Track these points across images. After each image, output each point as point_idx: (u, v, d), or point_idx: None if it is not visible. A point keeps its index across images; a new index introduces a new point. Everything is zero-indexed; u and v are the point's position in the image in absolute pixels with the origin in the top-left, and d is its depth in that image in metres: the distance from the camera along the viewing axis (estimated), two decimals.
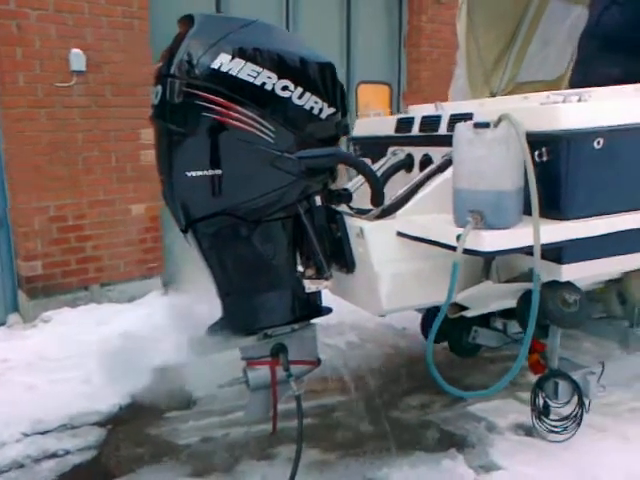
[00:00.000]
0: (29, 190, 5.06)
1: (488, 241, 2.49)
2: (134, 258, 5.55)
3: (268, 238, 2.83)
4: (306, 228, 2.90)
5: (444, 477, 2.90)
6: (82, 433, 3.48)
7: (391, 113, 4.52)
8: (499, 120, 2.53)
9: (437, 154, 3.30)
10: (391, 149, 3.71)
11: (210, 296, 4.21)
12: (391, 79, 8.17)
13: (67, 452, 3.29)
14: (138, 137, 5.52)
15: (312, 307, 3.05)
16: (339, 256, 3.04)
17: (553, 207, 2.65)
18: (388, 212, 3.00)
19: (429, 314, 4.07)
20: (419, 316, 4.49)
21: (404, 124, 3.72)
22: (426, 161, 3.43)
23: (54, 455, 3.26)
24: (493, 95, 4.74)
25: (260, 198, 2.68)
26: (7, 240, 5.19)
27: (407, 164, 3.59)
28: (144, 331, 4.90)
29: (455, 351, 3.87)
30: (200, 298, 4.01)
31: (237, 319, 2.93)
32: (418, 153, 3.53)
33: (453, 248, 2.56)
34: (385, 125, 3.91)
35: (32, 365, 4.40)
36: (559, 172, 2.66)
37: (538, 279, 2.53)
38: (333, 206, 3.04)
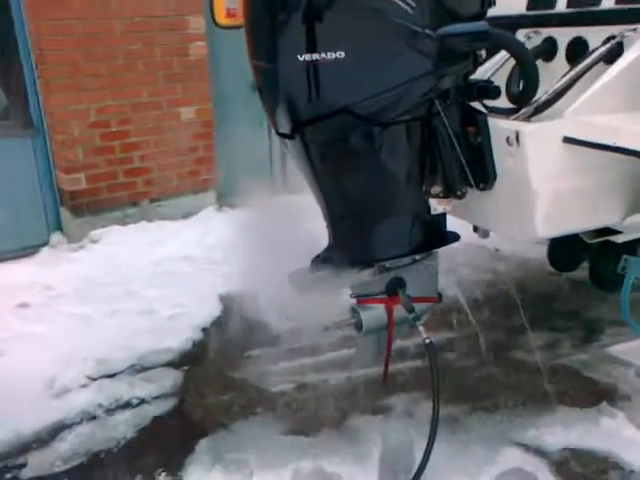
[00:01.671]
0: (65, 90, 4.35)
1: None
2: (185, 169, 4.91)
3: (395, 146, 2.23)
4: (442, 132, 2.25)
5: (610, 442, 2.35)
6: (155, 376, 2.99)
7: None
8: None
9: (595, 35, 2.56)
10: (522, 32, 2.95)
11: (275, 213, 3.62)
12: None
13: (142, 401, 2.81)
14: (186, 25, 4.71)
15: (437, 233, 2.49)
16: (474, 168, 2.40)
17: None
18: (539, 111, 2.33)
19: (556, 244, 3.43)
20: None
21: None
22: (578, 45, 2.68)
23: (128, 404, 2.78)
24: None
25: (391, 91, 2.04)
26: (44, 150, 4.53)
27: (547, 50, 2.84)
28: (204, 254, 4.40)
29: (599, 284, 3.25)
30: (265, 215, 3.44)
31: (351, 248, 2.38)
32: (564, 36, 2.77)
33: None
34: (511, 2, 3.11)
35: (83, 293, 3.87)
36: None
37: None
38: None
